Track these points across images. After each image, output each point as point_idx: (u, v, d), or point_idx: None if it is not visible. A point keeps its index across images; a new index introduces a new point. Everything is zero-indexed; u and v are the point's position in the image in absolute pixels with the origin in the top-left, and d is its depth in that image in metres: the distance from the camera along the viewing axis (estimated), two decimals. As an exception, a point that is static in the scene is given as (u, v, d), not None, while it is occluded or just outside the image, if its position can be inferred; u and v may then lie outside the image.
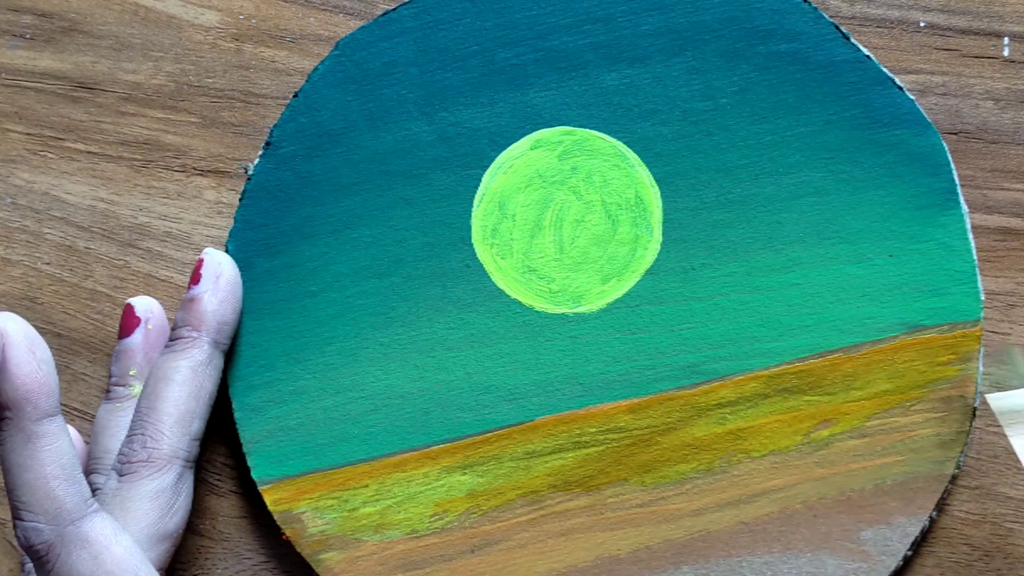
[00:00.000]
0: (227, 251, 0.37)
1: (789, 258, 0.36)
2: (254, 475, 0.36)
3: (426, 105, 0.37)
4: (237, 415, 0.36)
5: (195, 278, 0.35)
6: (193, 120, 0.39)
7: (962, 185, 0.36)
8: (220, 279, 0.35)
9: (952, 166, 0.35)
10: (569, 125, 0.37)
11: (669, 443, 0.35)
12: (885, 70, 0.36)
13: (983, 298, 0.35)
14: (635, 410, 0.35)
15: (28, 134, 0.40)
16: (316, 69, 0.37)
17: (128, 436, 0.33)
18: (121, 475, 0.33)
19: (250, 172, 0.37)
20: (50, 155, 0.39)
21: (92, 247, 0.39)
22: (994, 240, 0.37)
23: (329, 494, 0.35)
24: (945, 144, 0.36)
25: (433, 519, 0.35)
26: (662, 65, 0.36)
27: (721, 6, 0.36)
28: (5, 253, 0.39)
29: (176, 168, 0.39)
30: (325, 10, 0.39)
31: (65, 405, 0.39)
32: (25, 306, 0.39)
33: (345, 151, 0.37)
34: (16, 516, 0.30)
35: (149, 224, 0.39)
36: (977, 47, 0.37)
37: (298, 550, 0.35)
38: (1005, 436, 0.36)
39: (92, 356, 0.39)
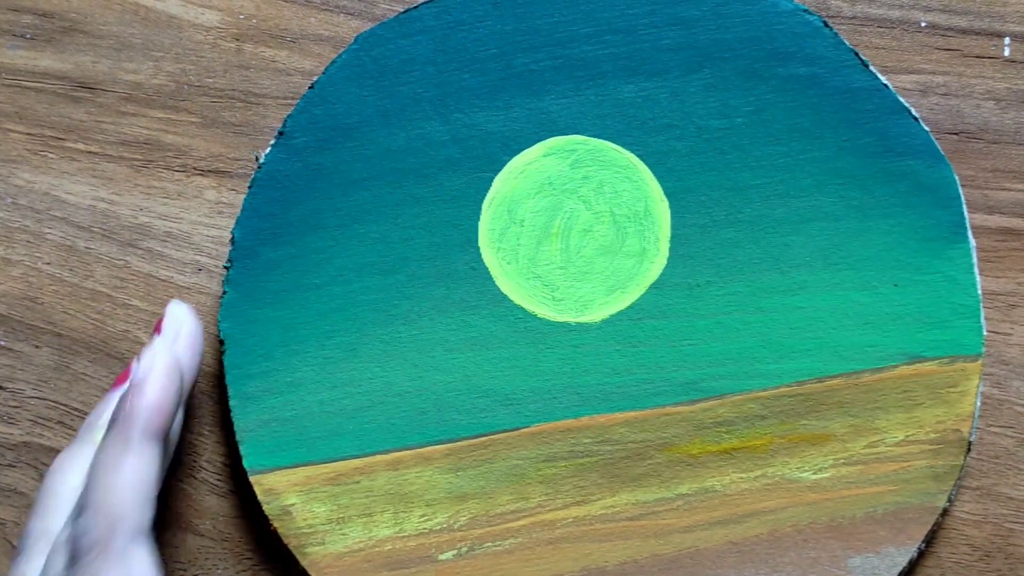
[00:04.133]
0: (233, 238, 0.36)
1: (795, 281, 0.36)
2: (245, 464, 0.35)
3: (441, 105, 0.37)
4: (232, 403, 0.36)
5: (156, 330, 0.34)
6: (193, 120, 0.39)
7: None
8: (180, 332, 0.34)
9: (962, 199, 0.35)
10: (583, 134, 0.37)
11: (663, 458, 0.35)
12: (902, 99, 0.36)
13: (985, 333, 0.35)
14: (631, 423, 0.35)
15: (28, 134, 0.39)
16: (333, 62, 0.37)
17: (75, 520, 0.31)
18: (74, 562, 0.31)
19: (261, 160, 0.37)
20: (50, 155, 0.39)
21: (92, 247, 0.39)
22: (995, 240, 0.37)
23: (319, 488, 0.35)
24: (953, 171, 0.36)
25: (422, 519, 0.35)
26: (680, 80, 0.36)
27: (743, 26, 0.36)
28: (5, 253, 0.39)
29: (176, 168, 0.39)
30: (325, 10, 0.39)
31: (65, 405, 0.38)
32: (25, 306, 0.39)
33: (357, 146, 0.37)
34: (80, 512, 0.30)
35: (149, 224, 0.39)
36: (978, 47, 0.38)
37: (284, 542, 0.35)
38: (1006, 436, 0.36)
39: (92, 356, 0.38)
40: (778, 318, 0.35)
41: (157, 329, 0.34)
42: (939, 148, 0.36)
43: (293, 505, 0.35)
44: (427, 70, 0.37)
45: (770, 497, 0.35)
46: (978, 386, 0.35)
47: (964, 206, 0.36)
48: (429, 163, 0.37)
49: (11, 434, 0.38)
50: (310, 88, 0.37)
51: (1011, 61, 0.37)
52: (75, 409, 0.38)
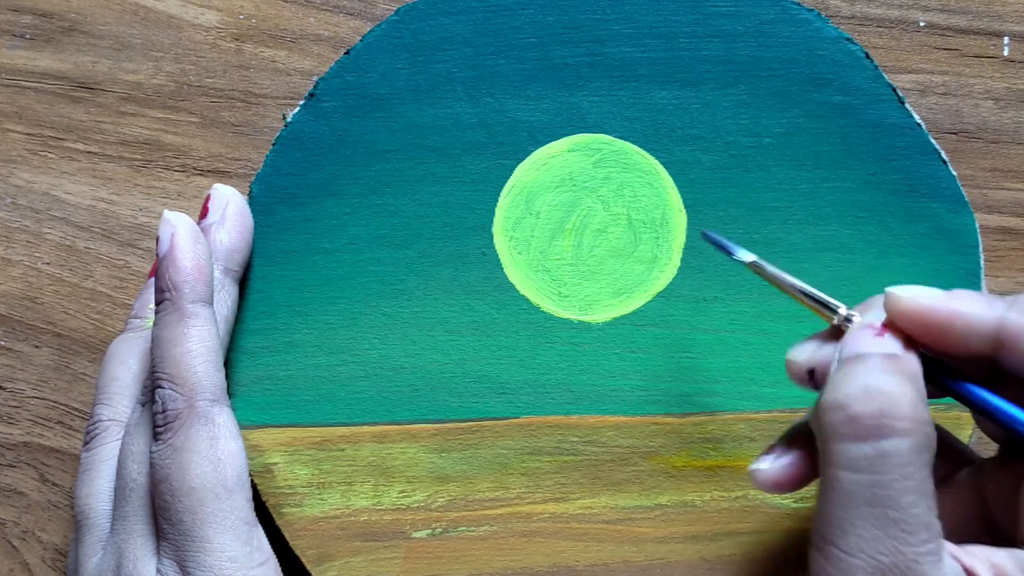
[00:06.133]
0: (251, 193, 0.37)
1: (801, 308, 0.35)
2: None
3: (473, 87, 0.37)
4: (229, 355, 0.36)
5: (203, 213, 0.35)
6: (193, 120, 0.39)
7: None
8: (227, 208, 0.35)
9: (980, 248, 0.35)
10: (611, 134, 0.36)
11: (647, 467, 0.35)
12: (933, 141, 0.36)
13: None
14: (620, 428, 0.35)
15: (28, 134, 0.40)
16: (371, 31, 0.37)
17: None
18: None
19: (288, 120, 0.37)
20: (50, 155, 0.40)
21: (92, 247, 0.39)
22: (994, 240, 0.37)
23: (304, 450, 0.35)
24: (969, 203, 0.35)
25: (401, 495, 0.35)
26: (714, 93, 0.36)
27: (784, 47, 0.36)
28: (5, 253, 0.39)
29: (176, 168, 0.39)
30: (325, 10, 0.39)
31: (64, 405, 0.39)
32: (25, 306, 0.39)
33: (385, 117, 0.37)
34: (157, 386, 0.32)
35: (149, 224, 0.39)
36: (977, 47, 0.38)
37: (263, 499, 0.35)
38: None
39: (92, 356, 0.39)
40: (780, 342, 0.35)
41: (203, 214, 0.35)
42: (964, 195, 0.35)
43: (276, 464, 0.35)
44: (464, 51, 0.37)
45: (747, 520, 0.35)
46: (971, 437, 0.35)
47: (981, 255, 0.35)
48: (454, 143, 0.37)
49: (11, 434, 0.39)
50: (345, 54, 0.37)
51: (1010, 61, 0.37)
52: (75, 409, 0.39)
